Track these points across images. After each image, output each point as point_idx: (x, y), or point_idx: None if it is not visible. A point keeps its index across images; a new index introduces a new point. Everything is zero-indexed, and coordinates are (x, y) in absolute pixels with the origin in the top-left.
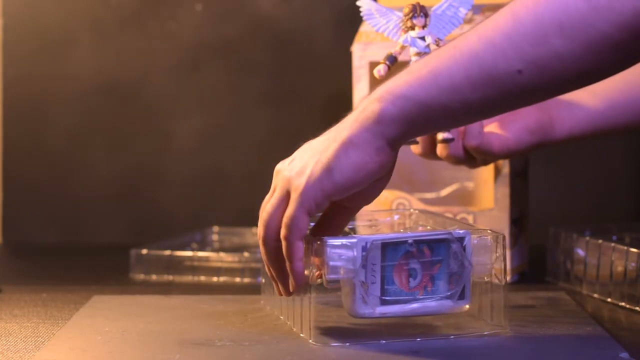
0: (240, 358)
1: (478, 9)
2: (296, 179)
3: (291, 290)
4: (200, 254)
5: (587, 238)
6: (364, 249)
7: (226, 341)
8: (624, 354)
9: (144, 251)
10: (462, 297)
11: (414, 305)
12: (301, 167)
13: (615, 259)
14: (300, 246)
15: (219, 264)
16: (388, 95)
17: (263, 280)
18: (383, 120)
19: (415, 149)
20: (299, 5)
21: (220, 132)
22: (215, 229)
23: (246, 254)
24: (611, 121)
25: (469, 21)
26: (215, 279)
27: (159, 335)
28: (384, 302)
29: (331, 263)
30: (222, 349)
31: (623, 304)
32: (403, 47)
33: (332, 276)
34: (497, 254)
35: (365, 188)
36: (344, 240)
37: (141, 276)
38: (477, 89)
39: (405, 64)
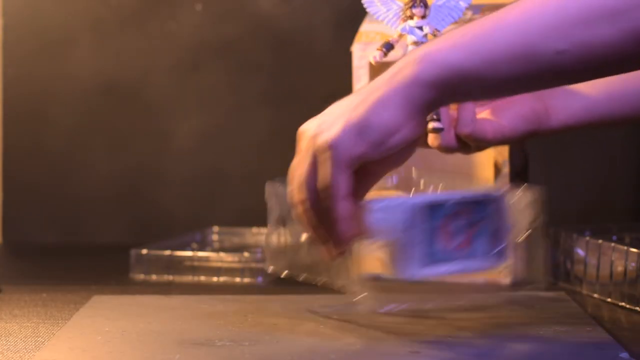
0: (240, 358)
1: (478, 9)
2: (326, 137)
3: (338, 252)
4: (200, 254)
5: (587, 238)
6: (409, 210)
7: (226, 341)
8: (624, 354)
9: (144, 251)
10: (502, 255)
11: (457, 266)
12: (330, 124)
13: (615, 259)
14: (345, 206)
15: (219, 264)
16: (427, 58)
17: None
18: (419, 84)
19: None
20: (299, 5)
21: (220, 132)
22: (215, 229)
23: (246, 254)
24: (608, 112)
25: (468, 21)
26: (215, 279)
27: (159, 335)
28: (428, 263)
29: (377, 224)
30: (222, 349)
31: (623, 304)
32: (401, 36)
33: (377, 238)
34: (534, 211)
35: (394, 153)
36: (389, 202)
37: (141, 276)
38: (517, 63)
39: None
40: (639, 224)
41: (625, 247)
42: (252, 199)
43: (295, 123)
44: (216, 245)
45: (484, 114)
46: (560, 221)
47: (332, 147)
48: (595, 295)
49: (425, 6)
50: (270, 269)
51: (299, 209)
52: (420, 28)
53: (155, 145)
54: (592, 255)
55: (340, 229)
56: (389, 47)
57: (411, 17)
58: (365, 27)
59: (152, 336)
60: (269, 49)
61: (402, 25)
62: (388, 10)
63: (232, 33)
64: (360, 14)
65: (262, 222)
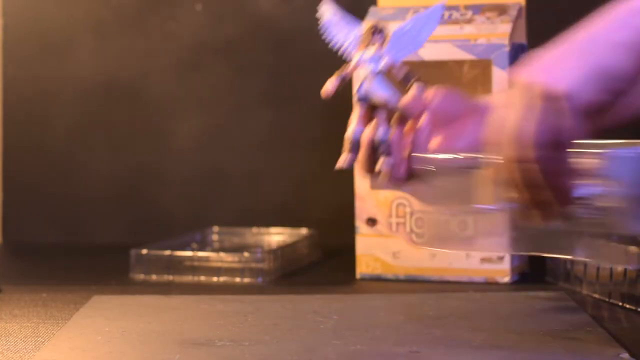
0: (240, 358)
1: (478, 9)
2: (561, 85)
3: (563, 215)
4: (200, 254)
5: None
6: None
7: (226, 341)
8: (624, 354)
9: (144, 251)
10: None
11: None
12: (557, 70)
13: None
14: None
15: (219, 264)
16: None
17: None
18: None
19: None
20: (299, 5)
21: (220, 132)
22: (215, 229)
23: (246, 254)
24: None
25: (468, 21)
26: (215, 279)
27: (159, 335)
28: None
29: (607, 176)
30: (222, 349)
31: (623, 304)
32: (355, 67)
33: (611, 190)
34: None
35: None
36: (622, 152)
37: (141, 276)
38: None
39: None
40: None
41: (625, 247)
42: (252, 199)
43: (295, 123)
44: (216, 245)
45: (436, 142)
46: None
47: (570, 95)
48: (595, 295)
49: (385, 36)
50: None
51: (527, 169)
52: (378, 58)
53: (155, 145)
54: None
55: (574, 186)
56: (343, 78)
57: (369, 46)
58: None
59: (152, 336)
60: (269, 49)
61: (358, 55)
62: (346, 36)
63: (232, 33)
64: (360, 14)
65: (262, 222)
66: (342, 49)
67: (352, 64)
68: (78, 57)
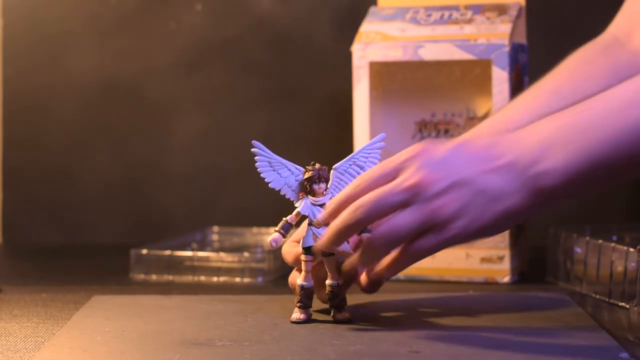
0: (240, 358)
1: (478, 9)
2: (454, 224)
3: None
4: (200, 254)
5: (587, 238)
6: None
7: (226, 341)
8: (624, 354)
9: (144, 251)
10: None
11: None
12: (463, 210)
13: (615, 259)
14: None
15: (219, 264)
16: (552, 177)
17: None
18: (552, 196)
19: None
20: (299, 5)
21: (220, 132)
22: (215, 229)
23: (246, 254)
24: None
25: (468, 21)
26: (215, 279)
27: (159, 335)
28: None
29: None
30: (222, 349)
31: (623, 304)
32: (299, 214)
33: None
34: None
35: None
36: None
37: (141, 276)
38: (632, 167)
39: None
40: (639, 224)
41: (625, 247)
42: (252, 199)
43: (295, 123)
44: (216, 245)
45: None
46: (560, 221)
47: (455, 241)
48: (595, 295)
49: (327, 181)
50: None
51: (380, 242)
52: (322, 205)
53: (155, 145)
54: (592, 255)
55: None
56: (287, 228)
57: (311, 193)
58: (365, 27)
59: (152, 336)
60: (269, 49)
61: (301, 202)
62: (286, 178)
63: (232, 33)
64: (360, 14)
65: (262, 222)
66: (282, 190)
67: (294, 213)
68: (78, 57)
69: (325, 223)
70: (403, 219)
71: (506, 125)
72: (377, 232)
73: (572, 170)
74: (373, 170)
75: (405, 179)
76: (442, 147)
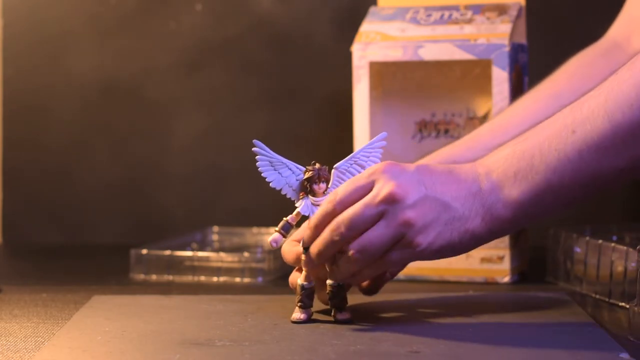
0: (240, 358)
1: (478, 9)
2: (422, 237)
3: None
4: (200, 254)
5: (587, 238)
6: None
7: (226, 341)
8: (624, 354)
9: (144, 251)
10: None
11: None
12: (433, 224)
13: (615, 259)
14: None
15: (219, 264)
16: (505, 206)
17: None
18: (501, 225)
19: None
20: (299, 5)
21: (220, 132)
22: (215, 229)
23: (246, 254)
24: None
25: (468, 21)
26: (215, 279)
27: (159, 335)
28: None
29: None
30: (222, 349)
31: (623, 304)
32: (299, 214)
33: None
34: None
35: None
36: None
37: (141, 276)
38: (585, 188)
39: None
40: (639, 224)
41: (625, 247)
42: (252, 198)
43: (295, 123)
44: (216, 245)
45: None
46: (560, 221)
47: (424, 255)
48: (595, 295)
49: (327, 182)
50: None
51: (353, 258)
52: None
53: (155, 145)
54: (592, 255)
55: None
56: (287, 228)
57: (312, 193)
58: (365, 27)
59: (152, 336)
60: (269, 49)
61: (301, 202)
62: (287, 178)
63: (232, 33)
64: (360, 14)
65: (262, 222)
66: (283, 190)
67: (295, 211)
68: (78, 57)
69: (309, 244)
70: (377, 232)
71: (506, 129)
72: (353, 246)
73: (522, 200)
74: (346, 185)
75: (380, 191)
76: (409, 165)
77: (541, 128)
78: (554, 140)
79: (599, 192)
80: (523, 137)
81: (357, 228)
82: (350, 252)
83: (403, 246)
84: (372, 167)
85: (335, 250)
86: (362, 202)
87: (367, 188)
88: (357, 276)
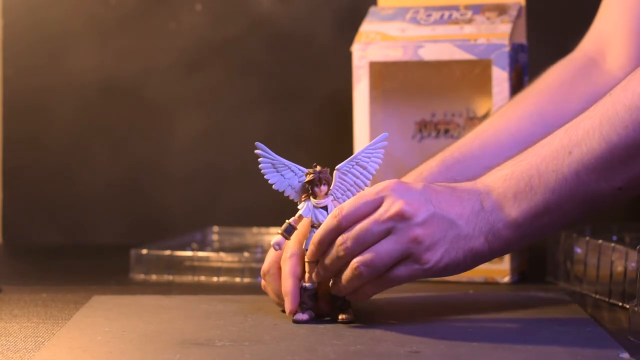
0: (240, 358)
1: (478, 9)
2: (430, 254)
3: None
4: (200, 254)
5: (587, 238)
6: None
7: (226, 341)
8: (624, 354)
9: (144, 251)
10: None
11: None
12: (440, 242)
13: (615, 259)
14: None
15: (219, 264)
16: (506, 226)
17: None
18: (502, 245)
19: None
20: (299, 5)
21: (220, 132)
22: (215, 229)
23: (246, 254)
24: None
25: (468, 21)
26: (215, 279)
27: (159, 335)
28: None
29: None
30: (222, 349)
31: (623, 304)
32: (301, 217)
33: None
34: None
35: None
36: None
37: (141, 276)
38: (583, 208)
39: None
40: (639, 224)
41: (625, 247)
42: (252, 199)
43: (295, 123)
44: (216, 245)
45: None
46: None
47: (431, 273)
48: (595, 295)
49: (329, 184)
50: None
51: (356, 269)
52: (325, 208)
53: (155, 145)
54: (592, 255)
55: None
56: (290, 230)
57: (313, 195)
58: (365, 27)
59: (152, 336)
60: (268, 49)
61: (303, 204)
62: (289, 180)
63: (232, 33)
64: (360, 14)
65: (262, 222)
66: (286, 192)
67: (296, 215)
68: (78, 57)
69: (315, 258)
70: (385, 247)
71: (491, 151)
72: (359, 260)
73: (522, 220)
74: (353, 201)
75: (390, 207)
76: (416, 183)
77: (539, 148)
78: (551, 161)
79: (596, 211)
80: (521, 157)
81: (363, 243)
82: (355, 266)
83: (410, 262)
84: (380, 185)
85: (340, 265)
86: (371, 218)
87: (375, 204)
88: (359, 292)
